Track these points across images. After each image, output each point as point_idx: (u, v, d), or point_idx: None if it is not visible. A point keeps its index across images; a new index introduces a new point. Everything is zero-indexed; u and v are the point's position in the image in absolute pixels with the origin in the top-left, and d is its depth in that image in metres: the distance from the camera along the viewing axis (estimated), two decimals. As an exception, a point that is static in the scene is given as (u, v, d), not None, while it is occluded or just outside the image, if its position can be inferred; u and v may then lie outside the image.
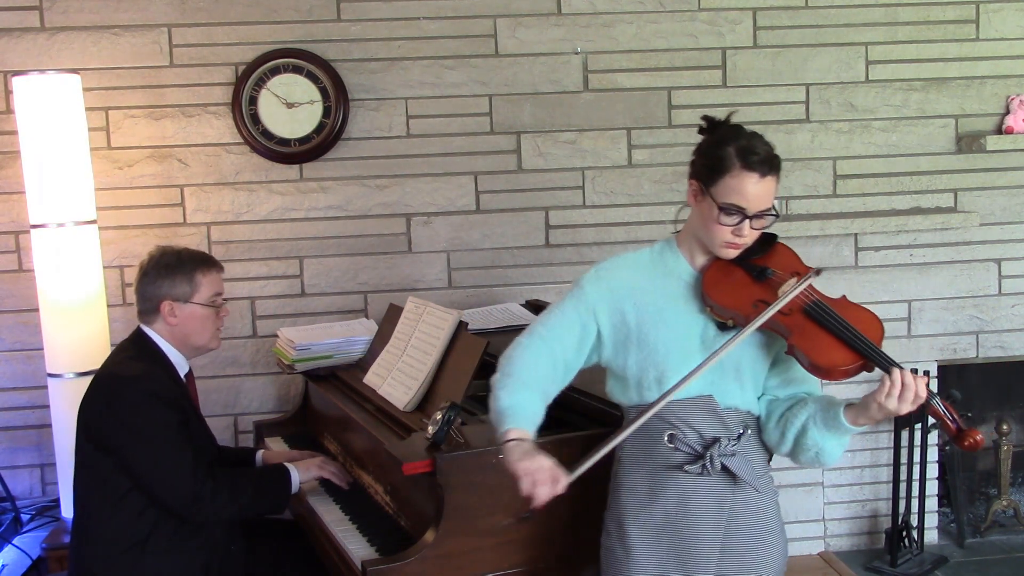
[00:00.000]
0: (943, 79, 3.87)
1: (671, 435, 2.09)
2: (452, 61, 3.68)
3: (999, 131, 3.87)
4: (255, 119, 3.58)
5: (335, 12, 3.63)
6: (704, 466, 2.06)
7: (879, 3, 3.82)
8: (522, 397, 2.04)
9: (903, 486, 3.79)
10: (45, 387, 3.33)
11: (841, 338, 2.00)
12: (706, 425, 2.08)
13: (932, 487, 3.95)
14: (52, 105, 3.16)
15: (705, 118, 2.17)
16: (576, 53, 3.73)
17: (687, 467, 2.07)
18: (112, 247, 3.55)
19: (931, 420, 2.03)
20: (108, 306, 3.37)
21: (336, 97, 3.59)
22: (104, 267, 3.37)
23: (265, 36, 3.60)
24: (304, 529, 2.83)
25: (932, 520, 3.98)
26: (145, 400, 2.49)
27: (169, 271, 2.63)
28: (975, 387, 4.06)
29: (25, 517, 3.47)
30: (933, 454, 3.91)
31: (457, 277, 3.75)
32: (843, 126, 3.86)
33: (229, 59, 3.60)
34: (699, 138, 2.17)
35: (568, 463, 1.96)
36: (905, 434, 3.78)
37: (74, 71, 3.28)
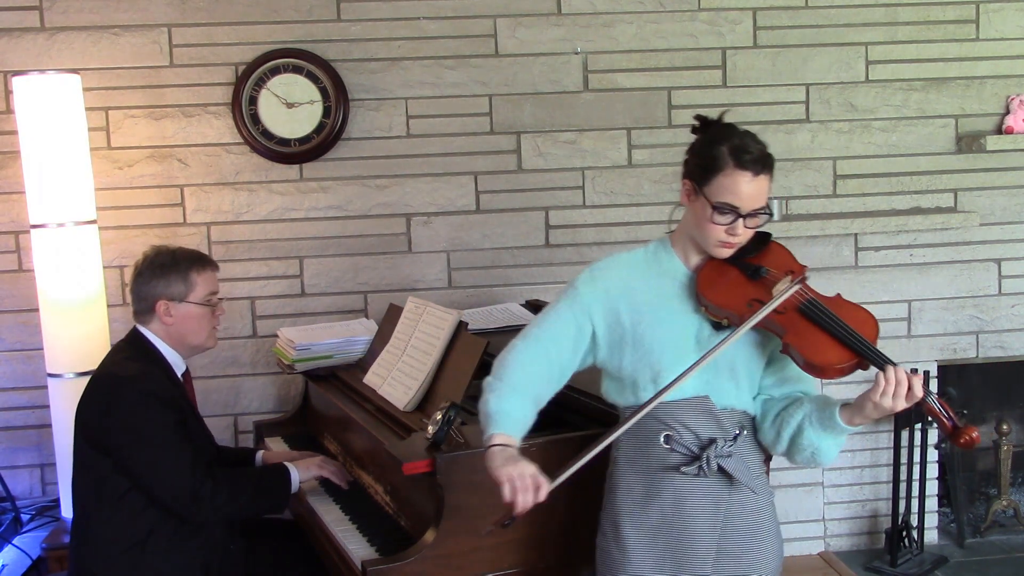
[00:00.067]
0: (943, 79, 3.87)
1: (667, 436, 2.08)
2: (452, 61, 3.68)
3: (999, 131, 3.87)
4: (255, 119, 3.58)
5: (335, 12, 3.63)
6: (700, 467, 2.05)
7: (879, 3, 3.82)
8: (511, 402, 2.04)
9: (903, 486, 3.79)
10: (45, 387, 3.33)
11: (836, 336, 1.99)
12: (702, 426, 2.07)
13: (932, 487, 3.95)
14: (52, 105, 3.16)
15: (698, 117, 2.16)
16: (576, 53, 3.73)
17: (683, 468, 2.06)
18: (112, 247, 3.55)
19: (939, 423, 2.01)
20: (108, 306, 3.37)
21: (336, 97, 3.59)
22: (104, 267, 3.36)
23: (265, 36, 3.60)
24: (304, 529, 2.83)
25: (932, 520, 3.98)
26: (143, 400, 2.48)
27: (164, 271, 2.63)
28: (975, 387, 4.06)
29: (25, 517, 3.47)
30: (933, 454, 3.91)
31: (457, 277, 3.75)
32: (843, 126, 3.86)
33: (229, 59, 3.60)
34: None
35: (566, 462, 1.95)
36: (905, 434, 3.78)
37: (74, 71, 3.28)
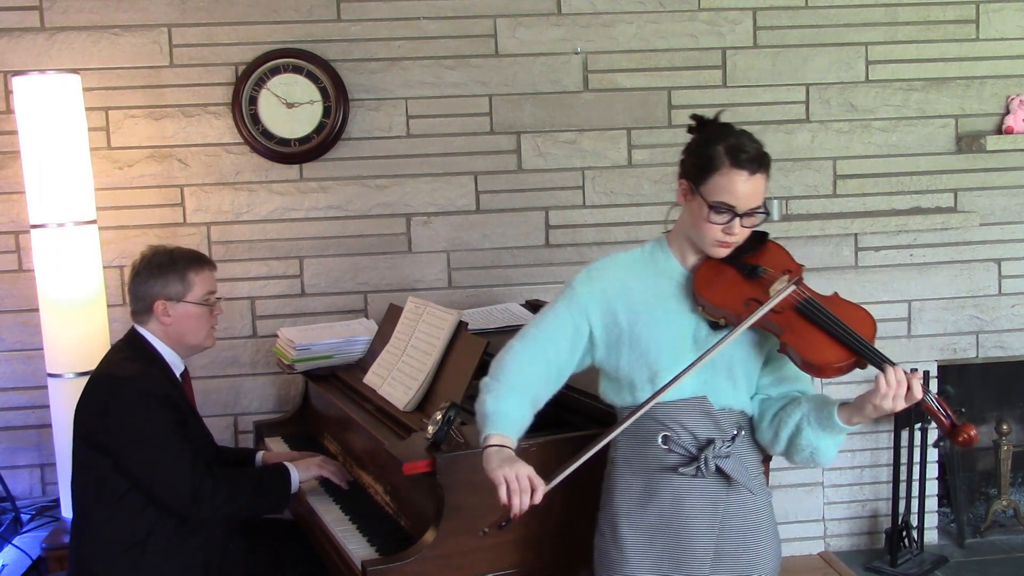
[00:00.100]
0: (943, 79, 3.87)
1: (665, 436, 2.08)
2: (452, 61, 3.68)
3: (999, 131, 3.87)
4: (255, 119, 3.58)
5: (335, 12, 3.63)
6: (698, 468, 2.05)
7: (879, 3, 3.82)
8: (509, 403, 2.04)
9: (903, 486, 3.79)
10: (45, 387, 3.33)
11: (833, 335, 1.99)
12: (700, 426, 2.07)
13: (932, 487, 3.95)
14: (52, 105, 3.16)
15: (694, 117, 2.16)
16: (576, 53, 3.73)
17: (681, 469, 2.06)
18: (112, 247, 3.55)
19: (937, 421, 2.01)
20: (108, 306, 3.37)
21: (336, 97, 3.59)
22: (104, 267, 3.36)
23: (265, 36, 3.60)
24: (304, 529, 2.83)
25: (932, 520, 3.98)
26: (142, 401, 2.48)
27: (161, 271, 2.62)
28: (975, 387, 4.06)
29: (25, 517, 3.47)
30: (933, 454, 3.91)
31: (457, 277, 3.75)
32: (843, 126, 3.86)
33: (229, 59, 3.60)
34: None
35: (563, 463, 1.95)
36: (905, 434, 3.78)
37: (74, 71, 3.28)
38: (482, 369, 2.43)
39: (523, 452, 2.05)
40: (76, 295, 3.21)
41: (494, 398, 2.04)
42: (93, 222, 3.29)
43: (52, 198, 3.19)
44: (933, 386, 3.89)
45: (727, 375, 2.08)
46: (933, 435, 3.82)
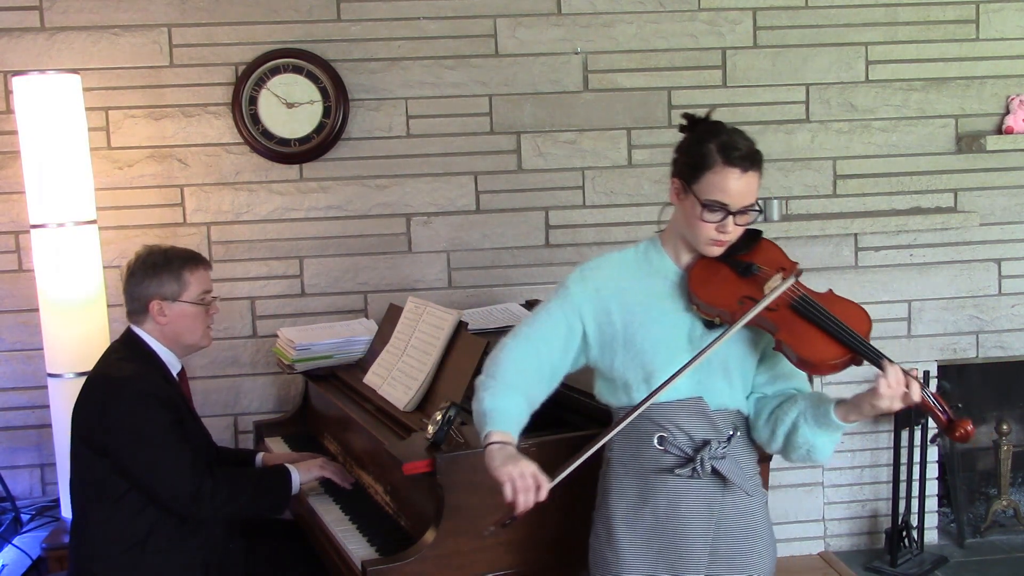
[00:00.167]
0: (943, 79, 3.87)
1: (661, 437, 2.08)
2: (452, 61, 3.68)
3: (999, 131, 3.87)
4: (255, 119, 3.58)
5: (335, 12, 3.63)
6: (694, 469, 2.05)
7: (879, 3, 3.82)
8: (506, 400, 2.03)
9: (903, 486, 3.79)
10: (45, 387, 3.33)
11: (829, 332, 1.99)
12: (696, 427, 2.07)
13: (932, 487, 3.95)
14: (52, 105, 3.16)
15: (685, 116, 2.15)
16: (576, 53, 3.73)
17: (677, 471, 2.06)
18: (112, 247, 3.55)
19: (934, 416, 2.01)
20: (108, 306, 3.36)
21: (336, 97, 3.59)
22: (104, 267, 3.36)
23: (265, 36, 3.60)
24: (304, 529, 2.83)
25: (932, 520, 3.98)
26: (139, 401, 2.48)
27: (156, 270, 2.61)
28: (975, 387, 4.06)
29: (25, 517, 3.47)
30: (933, 454, 3.91)
31: (457, 277, 3.75)
32: (843, 126, 3.86)
33: (229, 59, 3.60)
34: None
35: (564, 463, 1.95)
36: (905, 434, 3.78)
37: (74, 71, 3.28)
38: (482, 369, 2.43)
39: (523, 452, 2.04)
40: (76, 295, 3.21)
41: (491, 395, 2.04)
42: (93, 222, 3.29)
43: (52, 198, 3.19)
44: (932, 385, 3.89)
45: (723, 374, 2.08)
46: (932, 433, 3.82)
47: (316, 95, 3.60)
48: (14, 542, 3.29)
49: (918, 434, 3.79)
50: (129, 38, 3.56)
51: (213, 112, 3.61)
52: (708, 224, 2.04)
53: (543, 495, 1.91)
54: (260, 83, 3.57)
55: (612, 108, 3.75)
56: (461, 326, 2.77)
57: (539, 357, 2.09)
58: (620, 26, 3.73)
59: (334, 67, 3.61)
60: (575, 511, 2.26)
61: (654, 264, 2.15)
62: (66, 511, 3.19)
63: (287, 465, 2.74)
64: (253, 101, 3.58)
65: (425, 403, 2.69)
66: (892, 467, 3.81)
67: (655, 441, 2.08)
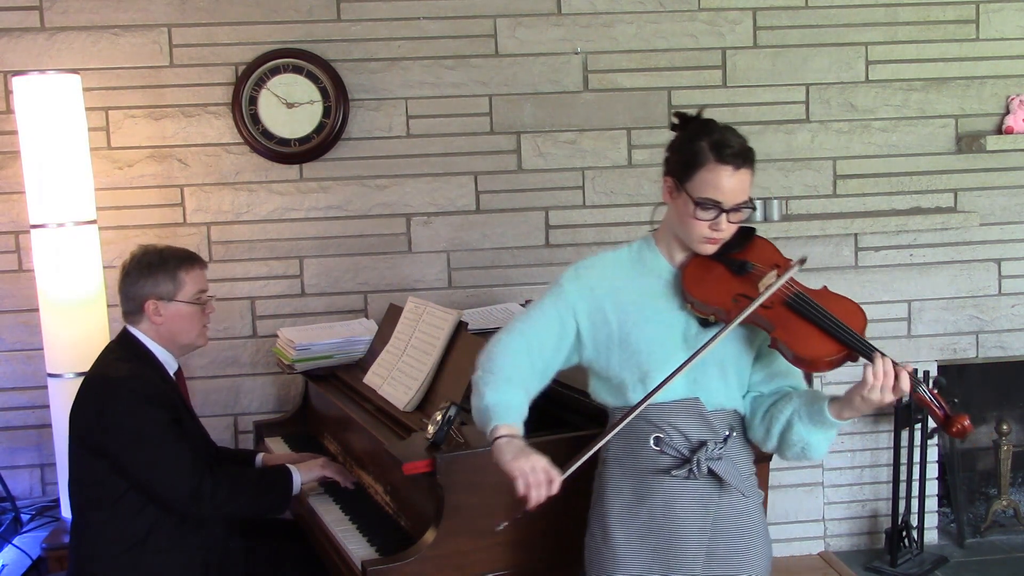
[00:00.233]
0: (943, 79, 3.87)
1: (657, 438, 2.07)
2: (452, 61, 3.68)
3: (999, 131, 3.87)
4: (255, 119, 3.58)
5: (335, 12, 3.63)
6: (690, 470, 2.04)
7: (879, 3, 3.82)
8: (508, 393, 2.02)
9: (903, 486, 3.79)
10: (45, 387, 3.33)
11: (824, 329, 1.99)
12: (692, 428, 2.07)
13: (932, 487, 3.95)
14: (52, 105, 3.16)
15: (677, 114, 2.15)
16: (576, 53, 3.73)
17: (673, 471, 2.05)
18: (112, 247, 3.55)
19: (930, 412, 2.00)
20: (108, 306, 3.36)
21: (336, 97, 3.59)
22: (104, 267, 3.36)
23: (265, 36, 3.60)
24: (304, 529, 2.83)
25: (932, 520, 3.98)
26: (137, 401, 2.48)
27: (151, 270, 2.61)
28: (975, 387, 4.06)
29: (25, 517, 3.47)
30: (933, 454, 3.91)
31: (457, 277, 3.75)
32: (843, 126, 3.86)
33: (229, 59, 3.60)
34: None
35: (563, 463, 1.95)
36: (905, 434, 3.78)
37: (74, 71, 3.28)
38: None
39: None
40: (76, 295, 3.21)
41: (492, 390, 2.03)
42: (93, 222, 3.29)
43: (52, 198, 3.19)
44: (930, 383, 3.89)
45: (719, 373, 2.08)
46: (934, 436, 3.82)
47: (316, 95, 3.60)
48: (14, 542, 3.29)
49: (918, 434, 3.79)
50: (129, 38, 3.56)
51: (213, 112, 3.61)
52: (701, 222, 2.03)
53: (555, 489, 1.90)
54: (260, 83, 3.57)
55: (612, 108, 3.75)
56: (461, 326, 2.77)
57: (530, 352, 2.09)
58: (620, 26, 3.73)
59: (334, 67, 3.61)
60: (577, 511, 2.26)
61: (648, 263, 2.15)
62: (66, 511, 3.19)
63: (288, 466, 2.74)
64: (253, 101, 3.58)
65: (425, 403, 2.69)
66: (892, 467, 3.81)
67: (651, 442, 2.08)
